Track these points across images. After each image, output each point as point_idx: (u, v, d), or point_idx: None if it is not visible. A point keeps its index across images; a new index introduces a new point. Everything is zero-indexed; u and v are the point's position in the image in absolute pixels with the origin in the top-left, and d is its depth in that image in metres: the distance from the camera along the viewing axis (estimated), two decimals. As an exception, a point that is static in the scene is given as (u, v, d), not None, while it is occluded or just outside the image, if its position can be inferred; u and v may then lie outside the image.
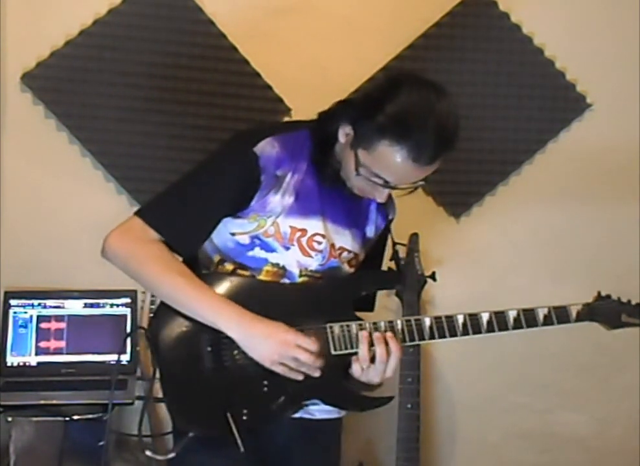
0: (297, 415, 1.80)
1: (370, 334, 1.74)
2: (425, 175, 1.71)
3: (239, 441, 1.69)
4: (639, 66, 3.11)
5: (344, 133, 1.75)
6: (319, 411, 1.85)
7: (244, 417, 1.73)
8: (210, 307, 1.70)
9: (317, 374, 1.71)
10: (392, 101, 1.66)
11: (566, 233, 3.15)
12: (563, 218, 3.14)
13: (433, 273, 2.84)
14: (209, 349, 1.73)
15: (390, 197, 1.92)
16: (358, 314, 1.84)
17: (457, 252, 3.09)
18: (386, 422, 2.87)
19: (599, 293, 1.89)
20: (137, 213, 1.76)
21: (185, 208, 1.75)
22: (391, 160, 1.66)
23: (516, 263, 3.15)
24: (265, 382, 1.74)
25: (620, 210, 3.16)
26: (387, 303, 2.93)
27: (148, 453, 1.75)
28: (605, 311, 1.85)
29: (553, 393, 3.21)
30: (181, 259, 1.78)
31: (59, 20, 2.77)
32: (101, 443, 2.27)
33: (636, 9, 3.09)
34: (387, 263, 2.04)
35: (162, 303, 1.76)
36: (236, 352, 1.72)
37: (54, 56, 2.76)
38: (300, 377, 1.71)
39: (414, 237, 2.84)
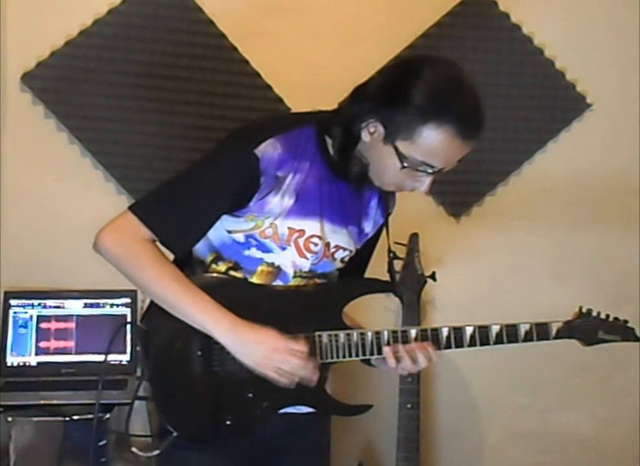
0: (282, 411, 1.79)
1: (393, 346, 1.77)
2: (468, 150, 1.69)
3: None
4: (639, 66, 3.11)
5: (368, 132, 1.69)
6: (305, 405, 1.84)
7: (228, 422, 1.73)
8: (203, 313, 1.68)
9: (315, 378, 1.71)
10: (419, 84, 1.62)
11: (566, 233, 3.15)
12: (563, 218, 3.14)
13: (433, 273, 2.84)
14: (199, 353, 1.72)
15: (392, 191, 1.91)
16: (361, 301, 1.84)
17: (457, 252, 3.09)
18: (386, 422, 2.87)
19: (580, 309, 1.88)
20: (132, 209, 1.71)
21: (181, 207, 1.71)
22: (439, 142, 1.63)
23: (516, 263, 3.15)
24: (251, 388, 1.74)
25: (620, 209, 3.16)
26: (387, 303, 2.93)
27: (133, 449, 1.76)
28: (583, 328, 1.86)
29: (553, 393, 3.20)
30: (172, 257, 1.77)
31: (59, 20, 2.77)
32: (101, 443, 2.27)
33: (636, 9, 3.09)
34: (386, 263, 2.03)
35: (153, 302, 1.75)
36: (225, 357, 1.71)
37: (54, 56, 2.76)
38: (293, 385, 1.70)
39: (414, 237, 2.83)
